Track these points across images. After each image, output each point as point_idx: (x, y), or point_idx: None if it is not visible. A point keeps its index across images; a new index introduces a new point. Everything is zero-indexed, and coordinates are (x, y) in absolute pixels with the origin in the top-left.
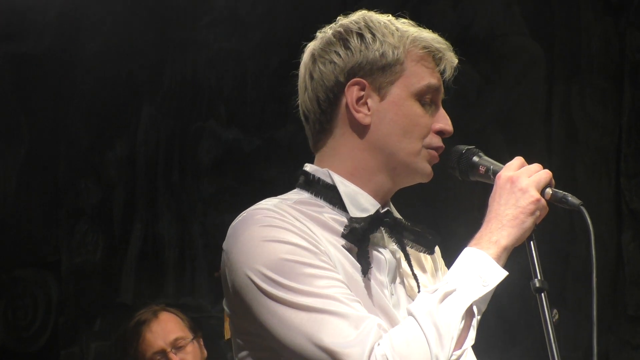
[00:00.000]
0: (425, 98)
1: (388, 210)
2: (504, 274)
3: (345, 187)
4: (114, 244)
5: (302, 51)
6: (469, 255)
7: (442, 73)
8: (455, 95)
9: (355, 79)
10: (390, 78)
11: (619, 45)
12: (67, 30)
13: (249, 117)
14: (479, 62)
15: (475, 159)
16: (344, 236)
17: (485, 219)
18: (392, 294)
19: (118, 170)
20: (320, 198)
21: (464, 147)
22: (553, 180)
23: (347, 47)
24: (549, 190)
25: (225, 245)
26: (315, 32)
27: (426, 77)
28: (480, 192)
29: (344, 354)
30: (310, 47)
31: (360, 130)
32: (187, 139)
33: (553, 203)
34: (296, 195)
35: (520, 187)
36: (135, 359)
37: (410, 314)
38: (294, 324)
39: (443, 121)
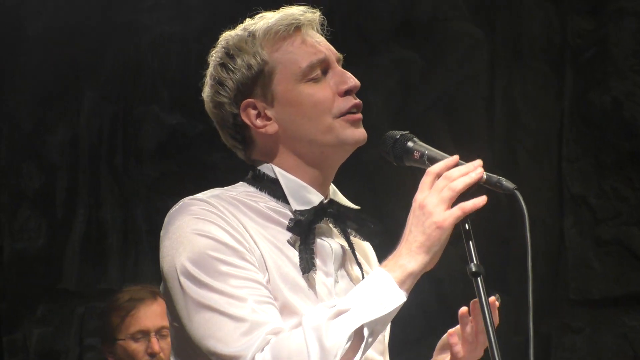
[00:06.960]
0: (313, 75)
1: (332, 200)
2: (403, 299)
3: (288, 181)
4: (57, 229)
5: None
6: (375, 275)
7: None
8: (398, 80)
9: (242, 103)
10: (268, 81)
11: (560, 30)
12: (9, 12)
13: (193, 101)
14: (421, 47)
15: (410, 144)
16: (289, 229)
17: (401, 239)
18: (337, 282)
19: (61, 154)
20: (265, 192)
21: (398, 133)
22: (484, 175)
23: (220, 82)
24: (483, 176)
25: (161, 232)
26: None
27: (300, 59)
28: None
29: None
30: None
31: (276, 138)
32: (130, 123)
33: (488, 187)
34: (242, 187)
35: (428, 211)
36: (117, 330)
37: (300, 324)
38: (195, 321)
39: (341, 80)
